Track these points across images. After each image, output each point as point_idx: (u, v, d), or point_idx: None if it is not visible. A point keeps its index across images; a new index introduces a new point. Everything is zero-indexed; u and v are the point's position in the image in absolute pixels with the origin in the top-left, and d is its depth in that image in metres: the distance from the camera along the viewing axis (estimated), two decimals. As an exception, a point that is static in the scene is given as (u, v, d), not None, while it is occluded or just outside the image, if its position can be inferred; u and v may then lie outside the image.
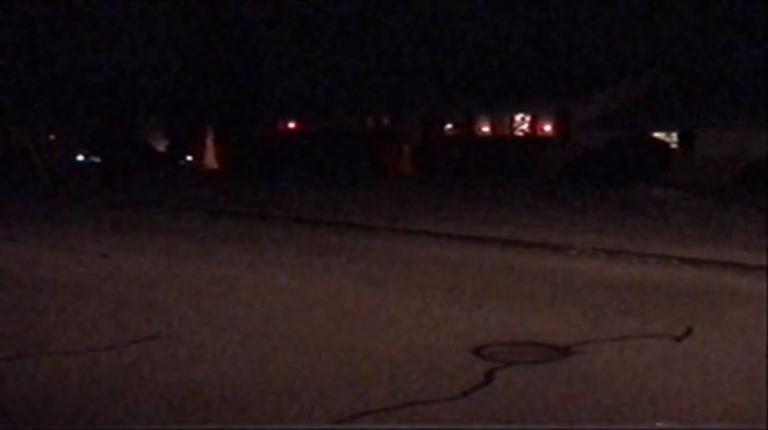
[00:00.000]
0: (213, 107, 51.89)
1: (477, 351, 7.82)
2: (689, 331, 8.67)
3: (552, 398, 6.51)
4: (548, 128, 45.91)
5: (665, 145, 39.66)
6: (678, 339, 8.39)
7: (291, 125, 55.63)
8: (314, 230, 18.43)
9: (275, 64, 55.26)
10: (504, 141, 45.19)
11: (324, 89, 55.20)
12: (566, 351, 7.87)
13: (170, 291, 10.91)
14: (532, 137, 45.98)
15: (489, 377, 7.00)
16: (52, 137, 62.12)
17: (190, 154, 53.40)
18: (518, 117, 47.05)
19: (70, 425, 6.01)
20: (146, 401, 6.42)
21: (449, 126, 49.38)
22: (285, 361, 7.52)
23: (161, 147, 55.32)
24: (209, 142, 52.23)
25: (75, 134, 58.81)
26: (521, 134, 46.85)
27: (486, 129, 48.15)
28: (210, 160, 51.52)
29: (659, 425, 6.09)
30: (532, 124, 46.55)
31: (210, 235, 17.47)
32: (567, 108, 44.63)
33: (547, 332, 8.59)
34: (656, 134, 40.66)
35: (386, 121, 50.88)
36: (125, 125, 56.61)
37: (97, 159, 51.79)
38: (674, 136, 40.74)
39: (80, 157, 54.05)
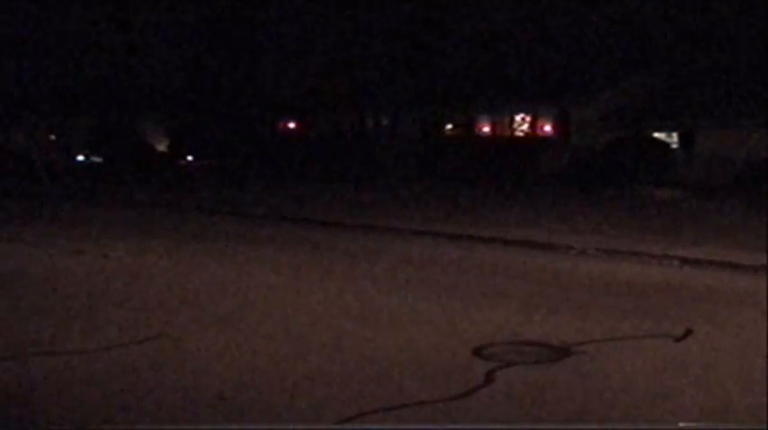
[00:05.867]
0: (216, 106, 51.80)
1: (477, 351, 7.82)
2: (689, 331, 8.67)
3: (552, 398, 6.51)
4: (548, 128, 45.89)
5: (665, 145, 39.64)
6: (678, 339, 8.39)
7: (291, 125, 55.59)
8: (313, 230, 18.43)
9: (276, 63, 55.23)
10: (504, 141, 45.16)
11: (324, 89, 55.16)
12: (566, 351, 7.87)
13: (171, 290, 10.91)
14: (532, 137, 45.95)
15: (489, 377, 7.00)
16: (52, 137, 62.09)
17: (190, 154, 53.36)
18: (518, 117, 47.03)
19: (70, 425, 6.01)
20: (146, 401, 6.42)
21: (449, 126, 49.35)
22: (285, 361, 7.52)
23: (161, 147, 55.29)
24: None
25: (75, 134, 58.78)
26: (521, 134, 46.83)
27: (486, 129, 48.14)
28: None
29: (657, 425, 6.09)
30: (532, 124, 46.53)
31: (211, 235, 17.47)
32: (566, 108, 44.60)
33: (547, 332, 8.60)
34: (656, 134, 40.65)
35: (385, 121, 50.86)
36: (125, 125, 56.55)
37: (97, 159, 51.74)
38: (674, 136, 40.73)
39: (80, 157, 54.03)
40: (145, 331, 8.57)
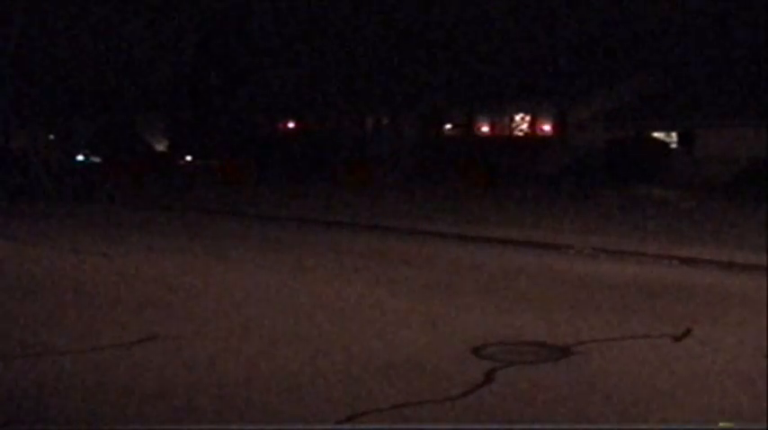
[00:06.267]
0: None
1: (477, 351, 7.81)
2: (689, 331, 8.67)
3: (552, 398, 6.51)
4: (547, 128, 45.92)
5: (665, 145, 39.69)
6: (678, 339, 8.39)
7: (291, 125, 55.60)
8: (313, 230, 18.42)
9: (277, 63, 55.25)
10: (503, 141, 45.16)
11: (324, 89, 55.19)
12: (566, 351, 7.86)
13: (170, 290, 10.90)
14: (532, 137, 45.99)
15: (489, 377, 7.00)
16: (52, 137, 62.14)
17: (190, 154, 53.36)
18: (517, 117, 47.07)
19: (70, 425, 6.01)
20: (146, 401, 6.41)
21: (449, 126, 49.39)
22: (285, 361, 7.51)
23: (161, 147, 55.30)
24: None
25: (75, 134, 58.81)
26: (520, 134, 46.87)
27: (485, 129, 48.17)
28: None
29: (660, 425, 6.09)
30: (532, 124, 46.56)
31: (210, 235, 17.47)
32: (566, 108, 44.63)
33: (547, 332, 8.59)
34: (656, 134, 40.69)
35: (386, 121, 50.87)
36: (125, 125, 56.57)
37: (97, 159, 51.79)
38: (674, 136, 40.77)
39: (80, 157, 54.07)
40: (144, 331, 8.56)
